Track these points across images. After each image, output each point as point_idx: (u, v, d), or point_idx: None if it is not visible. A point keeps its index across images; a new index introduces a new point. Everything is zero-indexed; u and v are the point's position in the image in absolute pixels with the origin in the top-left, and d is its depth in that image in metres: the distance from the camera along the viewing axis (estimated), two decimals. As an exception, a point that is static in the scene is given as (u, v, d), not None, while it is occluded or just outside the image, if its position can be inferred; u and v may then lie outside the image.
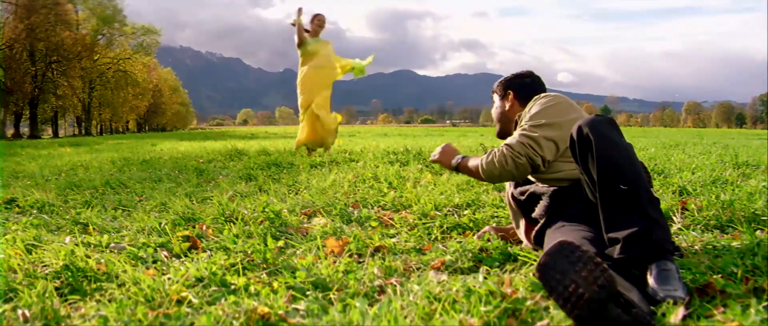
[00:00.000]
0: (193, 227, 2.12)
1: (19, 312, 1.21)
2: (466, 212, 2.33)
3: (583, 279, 1.07)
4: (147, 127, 61.88)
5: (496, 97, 1.99)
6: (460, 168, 1.87)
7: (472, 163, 1.82)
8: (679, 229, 1.95)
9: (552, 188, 1.72)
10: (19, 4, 30.49)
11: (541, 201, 1.75)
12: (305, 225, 2.20)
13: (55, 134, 38.11)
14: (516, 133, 1.72)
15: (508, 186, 1.96)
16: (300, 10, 5.76)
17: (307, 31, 5.82)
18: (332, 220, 2.23)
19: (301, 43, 5.76)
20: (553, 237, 1.56)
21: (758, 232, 1.75)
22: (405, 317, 1.15)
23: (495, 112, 1.99)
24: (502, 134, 1.95)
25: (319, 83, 5.76)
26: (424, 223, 2.14)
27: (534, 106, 1.74)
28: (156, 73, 53.40)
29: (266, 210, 2.30)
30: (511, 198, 1.91)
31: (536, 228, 1.73)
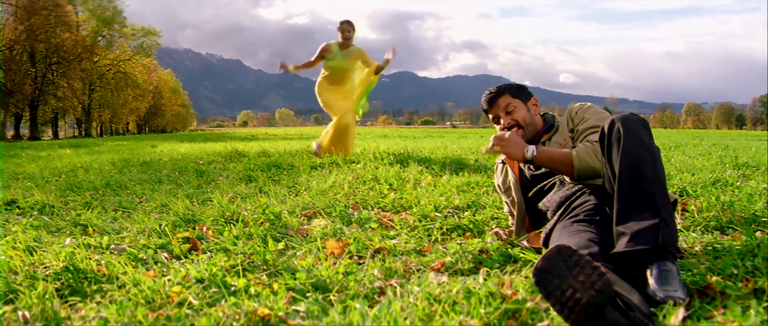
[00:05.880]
0: (194, 228, 2.12)
1: (20, 313, 1.22)
2: (466, 213, 2.33)
3: (581, 284, 1.07)
4: (147, 129, 61.93)
5: (518, 103, 1.98)
6: (540, 155, 1.75)
7: (557, 152, 1.75)
8: (680, 230, 1.95)
9: (572, 185, 1.77)
10: (20, 5, 30.52)
11: (553, 197, 1.79)
12: (305, 226, 2.20)
13: (55, 135, 38.14)
14: (589, 137, 1.79)
15: (514, 184, 1.96)
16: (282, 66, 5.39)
17: (326, 46, 5.33)
18: (332, 222, 2.23)
19: (323, 58, 5.35)
20: (559, 237, 1.57)
21: (758, 233, 1.75)
22: (405, 318, 1.15)
23: (523, 115, 1.97)
24: (531, 138, 1.97)
25: (340, 93, 5.39)
26: (424, 225, 2.13)
27: (585, 113, 1.89)
28: (156, 74, 53.46)
29: (266, 211, 2.30)
30: (518, 195, 1.92)
31: (547, 227, 1.73)
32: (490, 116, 2.04)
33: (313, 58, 5.42)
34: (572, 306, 1.06)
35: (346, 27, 5.29)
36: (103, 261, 1.59)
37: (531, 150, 1.77)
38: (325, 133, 5.49)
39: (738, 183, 3.04)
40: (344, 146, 5.34)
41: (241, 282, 1.38)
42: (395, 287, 1.36)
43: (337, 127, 5.34)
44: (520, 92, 2.00)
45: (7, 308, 1.24)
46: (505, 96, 1.98)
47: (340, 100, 5.39)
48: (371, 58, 5.52)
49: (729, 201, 2.24)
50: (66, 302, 1.34)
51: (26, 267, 1.53)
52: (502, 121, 1.98)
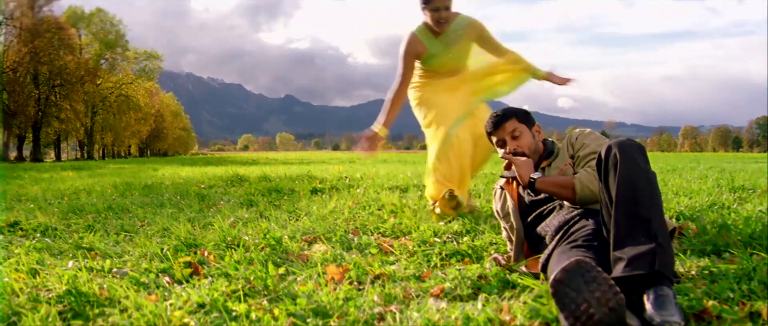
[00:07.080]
0: (195, 253, 2.13)
1: (23, 337, 1.23)
2: (464, 239, 2.35)
3: (596, 300, 1.09)
4: (149, 152, 62.09)
5: (524, 128, 2.00)
6: (540, 182, 1.84)
7: (559, 179, 1.83)
8: (676, 254, 1.96)
9: (570, 210, 1.80)
10: (23, 27, 30.96)
11: (551, 222, 1.81)
12: (306, 251, 2.21)
13: (58, 157, 38.26)
14: (590, 163, 1.83)
15: (513, 209, 1.97)
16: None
17: (413, 39, 3.14)
18: (332, 247, 2.24)
19: (419, 57, 3.18)
20: (557, 262, 1.58)
21: (754, 257, 1.76)
22: (404, 343, 1.16)
23: (529, 141, 1.98)
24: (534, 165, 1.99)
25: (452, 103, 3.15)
26: (423, 250, 2.14)
27: (585, 139, 1.93)
28: (158, 98, 53.88)
29: (267, 236, 2.31)
30: (516, 221, 1.93)
31: (546, 251, 1.74)
32: (494, 139, 2.04)
33: (400, 78, 3.17)
34: (585, 320, 1.08)
35: (440, 3, 3.02)
36: (105, 285, 1.61)
37: (535, 175, 1.85)
38: (433, 166, 3.12)
39: (734, 206, 3.06)
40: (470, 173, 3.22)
41: (242, 308, 1.39)
42: (395, 313, 1.37)
43: (453, 146, 3.06)
44: (526, 118, 2.02)
45: (11, 332, 1.25)
46: (512, 120, 1.99)
47: (452, 100, 3.17)
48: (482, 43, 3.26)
49: (725, 225, 2.26)
50: (68, 325, 1.35)
51: (29, 290, 1.55)
52: (508, 146, 2.00)
